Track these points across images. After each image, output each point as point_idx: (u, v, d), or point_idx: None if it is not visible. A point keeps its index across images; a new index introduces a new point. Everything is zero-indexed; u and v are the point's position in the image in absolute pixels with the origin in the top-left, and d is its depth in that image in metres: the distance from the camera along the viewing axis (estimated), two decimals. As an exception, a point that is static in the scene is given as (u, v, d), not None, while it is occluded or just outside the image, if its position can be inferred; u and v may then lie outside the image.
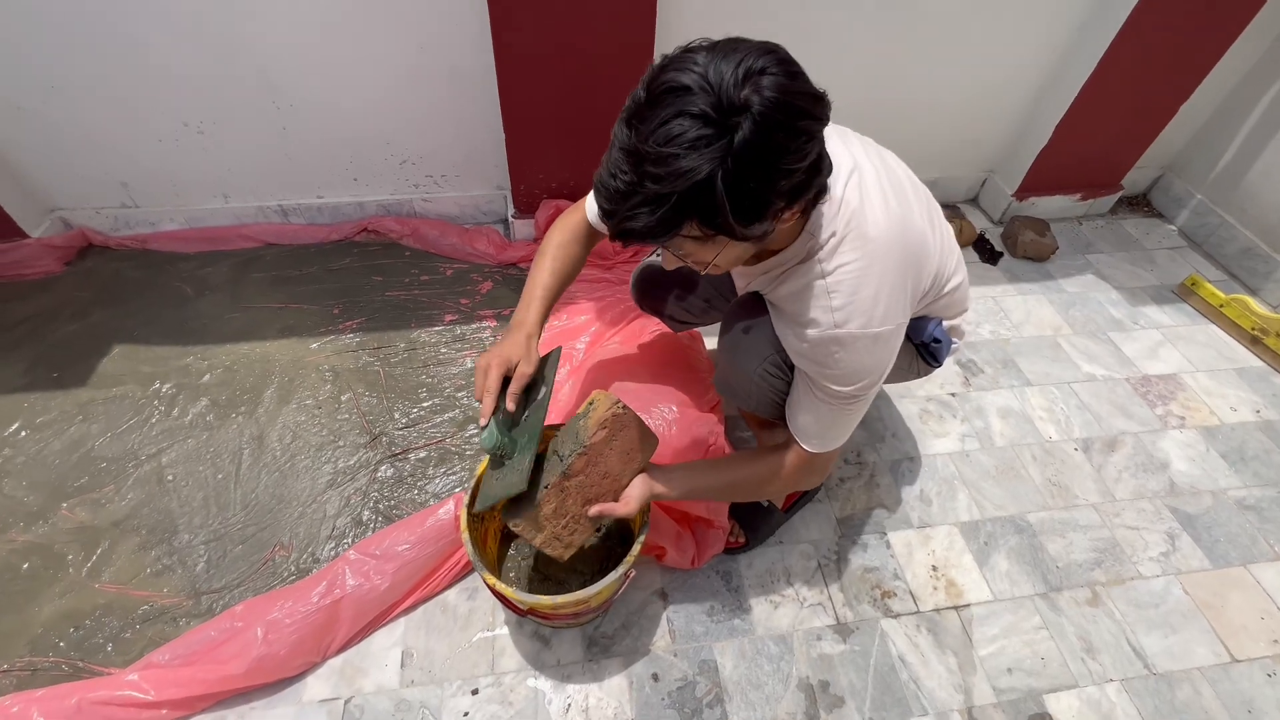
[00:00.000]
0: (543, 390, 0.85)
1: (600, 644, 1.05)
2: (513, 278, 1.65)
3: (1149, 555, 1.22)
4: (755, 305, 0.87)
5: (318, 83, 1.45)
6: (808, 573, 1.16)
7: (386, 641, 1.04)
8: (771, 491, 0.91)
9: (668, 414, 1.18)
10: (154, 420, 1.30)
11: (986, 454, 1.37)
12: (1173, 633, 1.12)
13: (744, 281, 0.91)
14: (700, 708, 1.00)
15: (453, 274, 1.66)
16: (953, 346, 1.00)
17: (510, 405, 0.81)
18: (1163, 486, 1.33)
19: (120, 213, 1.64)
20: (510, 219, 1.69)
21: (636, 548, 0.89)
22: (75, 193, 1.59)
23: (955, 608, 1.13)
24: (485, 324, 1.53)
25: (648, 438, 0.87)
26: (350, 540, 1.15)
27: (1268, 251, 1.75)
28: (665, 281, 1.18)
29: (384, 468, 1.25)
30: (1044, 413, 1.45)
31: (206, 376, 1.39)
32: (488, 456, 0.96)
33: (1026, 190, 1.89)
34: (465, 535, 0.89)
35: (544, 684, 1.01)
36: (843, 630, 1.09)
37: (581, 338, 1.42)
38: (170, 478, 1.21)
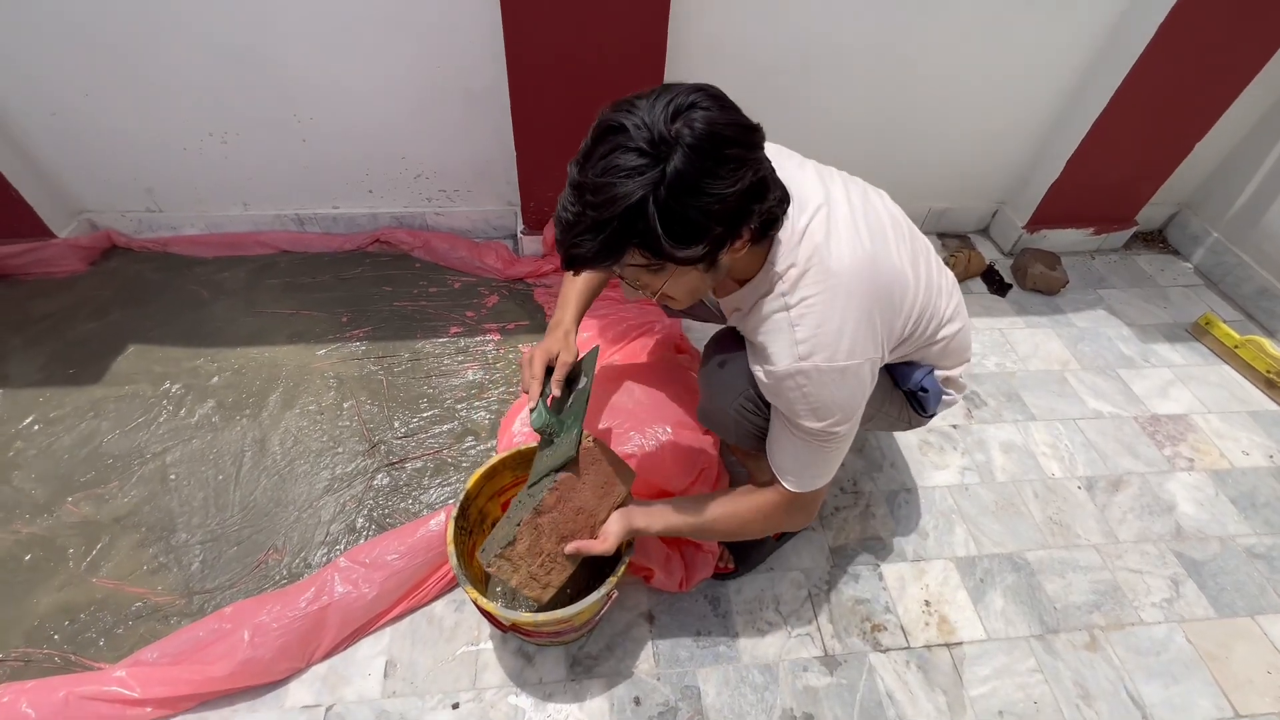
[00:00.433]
0: (583, 380, 0.90)
1: (584, 664, 1.05)
2: (519, 292, 1.67)
3: (1151, 600, 1.19)
4: (734, 340, 0.88)
5: (337, 98, 1.50)
6: (797, 601, 1.15)
7: (371, 651, 1.04)
8: (754, 531, 0.89)
9: (662, 434, 1.18)
10: (162, 419, 1.33)
11: (986, 488, 1.35)
12: (1174, 683, 1.09)
13: (728, 307, 0.91)
14: (680, 735, 0.99)
15: (460, 287, 1.68)
16: (945, 398, 0.99)
17: (556, 390, 0.88)
18: (1168, 530, 1.30)
19: (144, 216, 1.69)
20: (519, 234, 1.72)
21: (621, 569, 0.89)
22: (102, 196, 1.65)
23: (947, 645, 1.11)
24: (489, 337, 1.55)
25: (623, 470, 0.88)
26: (343, 547, 1.16)
27: (1285, 293, 1.71)
28: None
29: (380, 476, 1.27)
30: (1048, 449, 1.43)
31: (215, 379, 1.42)
32: (479, 470, 0.98)
33: (1037, 223, 1.88)
34: (451, 549, 0.89)
35: (525, 701, 1.00)
36: (830, 662, 1.08)
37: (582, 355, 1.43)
38: (173, 477, 1.24)
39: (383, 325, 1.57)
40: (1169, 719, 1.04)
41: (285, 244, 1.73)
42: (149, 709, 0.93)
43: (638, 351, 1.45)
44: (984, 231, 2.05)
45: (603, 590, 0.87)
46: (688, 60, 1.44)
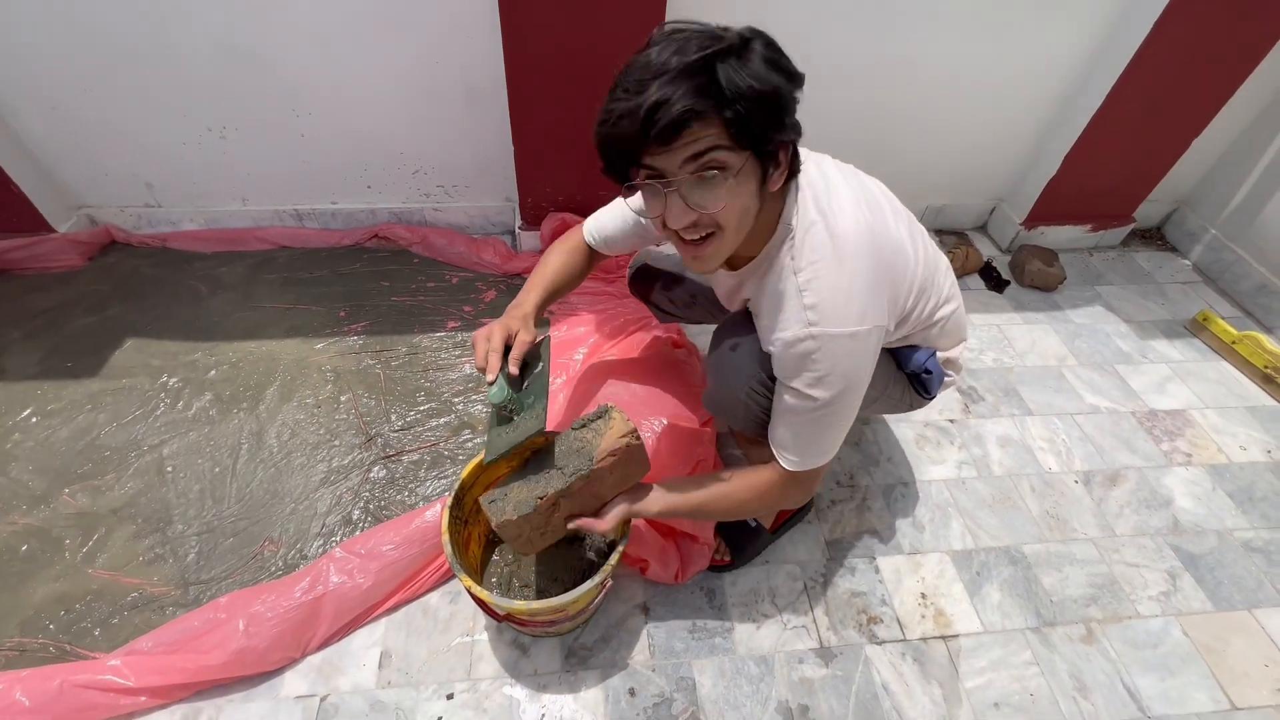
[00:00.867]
0: (541, 364, 0.87)
1: (579, 655, 1.05)
2: (516, 287, 1.67)
3: (1148, 594, 1.19)
4: (744, 323, 0.88)
5: (336, 95, 1.50)
6: (793, 594, 1.15)
7: (366, 641, 1.04)
8: (751, 510, 0.90)
9: (658, 426, 1.18)
10: (159, 412, 1.34)
11: (983, 482, 1.35)
12: (1170, 676, 1.08)
13: (730, 293, 0.92)
14: (675, 726, 0.98)
15: (458, 282, 1.69)
16: (946, 379, 0.99)
17: (513, 367, 0.83)
18: (1165, 524, 1.30)
19: (144, 211, 1.70)
20: (517, 230, 1.72)
21: (615, 557, 0.89)
22: (102, 191, 1.65)
23: (943, 637, 1.11)
24: (486, 332, 1.55)
25: (645, 466, 0.87)
26: (339, 538, 1.16)
27: (1283, 289, 1.71)
28: (658, 269, 1.19)
29: (377, 469, 1.27)
30: (1045, 443, 1.43)
31: (213, 372, 1.42)
32: (473, 461, 0.98)
33: (1035, 220, 1.88)
34: (445, 538, 0.89)
35: (520, 692, 1.00)
36: (826, 654, 1.07)
37: (580, 349, 1.43)
38: (169, 469, 1.24)
39: (380, 320, 1.57)
40: (1165, 712, 1.04)
41: (284, 239, 1.74)
42: (143, 698, 0.93)
43: (634, 346, 1.45)
44: (982, 228, 2.05)
45: (597, 579, 0.87)
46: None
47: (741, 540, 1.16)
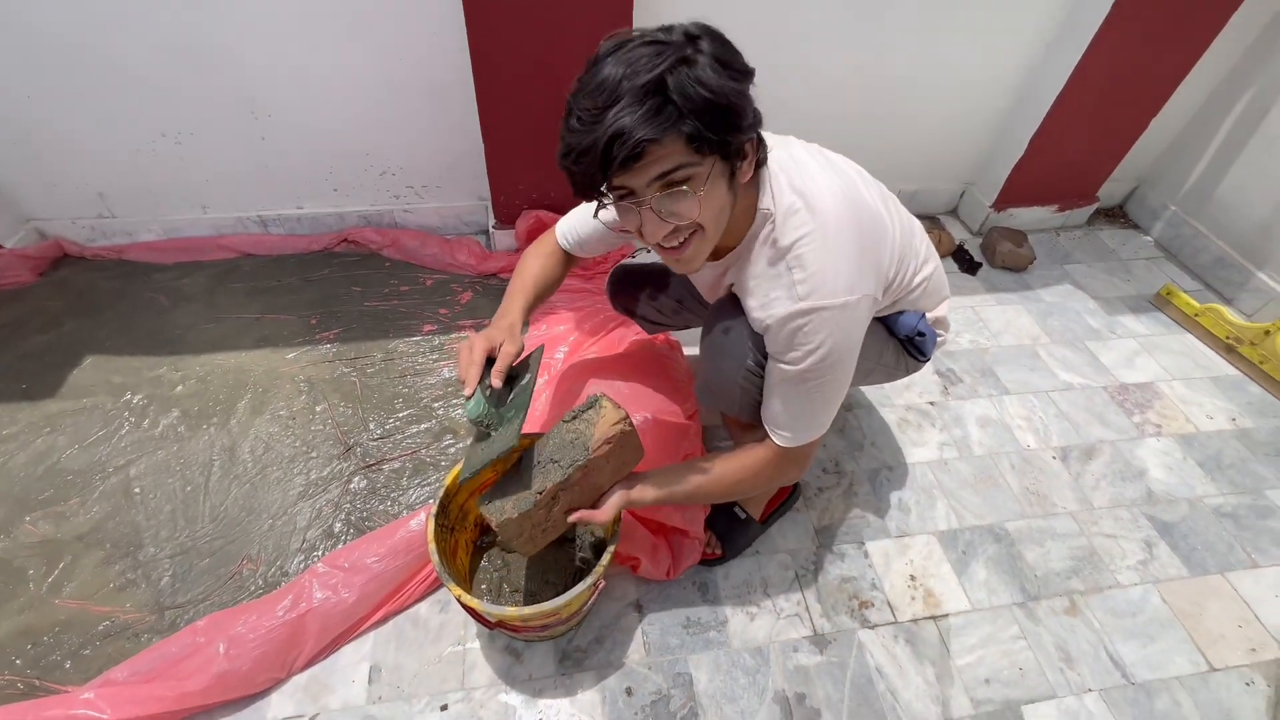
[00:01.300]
0: (527, 376, 0.85)
1: (573, 657, 1.04)
2: (493, 288, 1.65)
3: (1127, 564, 1.22)
4: (734, 306, 0.87)
5: (296, 94, 1.46)
6: (785, 583, 1.15)
7: (354, 656, 1.02)
8: (747, 490, 0.90)
9: (643, 422, 1.17)
10: (124, 432, 1.28)
11: (965, 463, 1.37)
12: (1151, 642, 1.11)
13: (712, 285, 0.92)
14: (674, 722, 0.98)
15: (433, 284, 1.65)
16: (938, 339, 1.00)
17: (496, 381, 0.81)
18: (1140, 495, 1.33)
19: (97, 223, 1.63)
20: (491, 229, 1.69)
21: (606, 557, 0.88)
22: (51, 203, 1.58)
23: (933, 618, 1.12)
24: (464, 334, 1.53)
25: (639, 453, 0.87)
26: (320, 553, 1.12)
27: (1241, 261, 1.77)
28: (639, 280, 1.19)
29: (357, 479, 1.24)
30: (1022, 421, 1.46)
31: (179, 387, 1.37)
32: (457, 467, 0.96)
33: (1004, 202, 1.91)
34: (432, 546, 0.87)
35: (515, 699, 0.99)
36: (820, 641, 1.08)
37: (560, 347, 1.41)
38: (138, 490, 1.19)
39: (353, 326, 1.53)
40: (1148, 677, 1.07)
41: (248, 247, 1.68)
42: (121, 730, 0.89)
43: (616, 342, 1.44)
44: (953, 212, 2.08)
45: (589, 580, 0.86)
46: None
47: (731, 532, 1.16)
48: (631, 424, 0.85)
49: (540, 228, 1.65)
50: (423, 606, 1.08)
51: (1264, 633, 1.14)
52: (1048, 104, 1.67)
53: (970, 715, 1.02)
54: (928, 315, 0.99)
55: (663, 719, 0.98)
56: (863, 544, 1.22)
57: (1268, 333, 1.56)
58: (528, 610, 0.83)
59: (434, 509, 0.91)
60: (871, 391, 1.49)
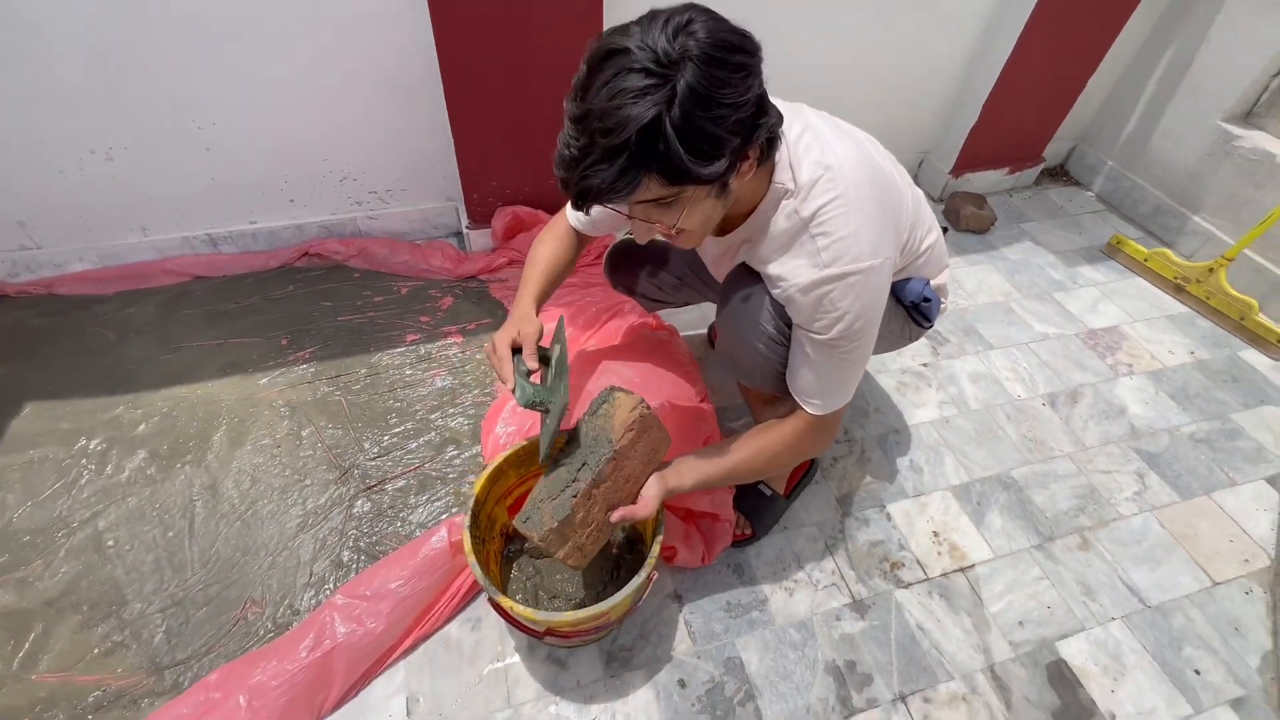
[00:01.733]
0: (558, 348, 0.85)
1: (619, 658, 1.00)
2: (474, 291, 1.58)
3: (1124, 496, 1.28)
4: (751, 274, 0.86)
5: (242, 98, 1.34)
6: (817, 555, 1.15)
7: (387, 690, 0.95)
8: (783, 463, 0.89)
9: (659, 408, 1.14)
10: (83, 482, 1.15)
11: (964, 418, 1.41)
12: (1158, 566, 1.18)
13: (720, 256, 0.90)
14: (732, 708, 0.96)
15: (409, 292, 1.57)
16: (941, 306, 1.02)
17: (531, 363, 0.82)
18: (1124, 431, 1.41)
19: (19, 255, 1.46)
20: (465, 230, 1.62)
21: (656, 548, 0.85)
22: (-39, 237, 1.40)
23: (961, 570, 1.15)
24: (451, 340, 1.45)
25: (665, 436, 0.84)
26: (332, 585, 1.04)
27: (1177, 208, 1.90)
28: (638, 257, 1.17)
29: (360, 502, 1.16)
30: (1009, 373, 1.52)
31: (141, 427, 1.24)
32: (484, 474, 0.91)
33: (961, 167, 1.99)
34: (473, 560, 0.82)
35: (566, 708, 0.94)
36: (859, 607, 1.09)
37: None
38: (111, 543, 1.07)
39: (329, 343, 1.43)
40: (1162, 599, 1.13)
41: (198, 269, 1.54)
42: (135, 808, 0.80)
43: (612, 334, 1.41)
44: (914, 181, 2.14)
45: (643, 574, 0.83)
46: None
47: (760, 511, 1.15)
48: (649, 406, 0.83)
49: (519, 224, 1.59)
50: (452, 628, 1.02)
51: (1252, 544, 1.22)
52: (998, 68, 1.73)
53: (1011, 658, 1.04)
54: (933, 282, 1.00)
55: (720, 707, 0.96)
56: (884, 507, 1.23)
57: (1211, 270, 1.68)
58: (581, 614, 0.79)
59: (467, 520, 0.86)
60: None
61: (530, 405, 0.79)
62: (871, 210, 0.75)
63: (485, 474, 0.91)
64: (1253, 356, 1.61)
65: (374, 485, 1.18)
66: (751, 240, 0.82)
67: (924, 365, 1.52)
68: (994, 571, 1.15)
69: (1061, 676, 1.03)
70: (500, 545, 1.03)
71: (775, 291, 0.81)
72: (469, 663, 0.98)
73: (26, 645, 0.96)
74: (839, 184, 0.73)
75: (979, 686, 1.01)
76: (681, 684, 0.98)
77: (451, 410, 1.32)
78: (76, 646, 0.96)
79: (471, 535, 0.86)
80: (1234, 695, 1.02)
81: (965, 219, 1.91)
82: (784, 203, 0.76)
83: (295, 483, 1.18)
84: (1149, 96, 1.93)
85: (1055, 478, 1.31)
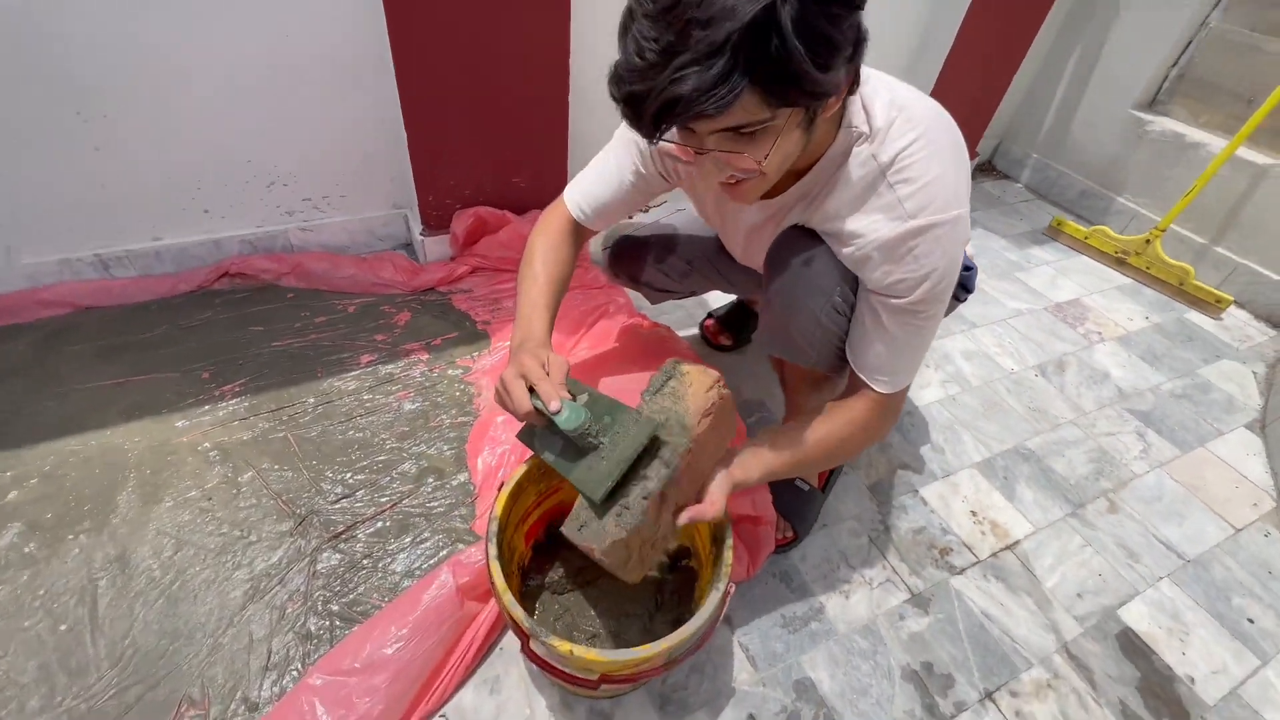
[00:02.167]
0: (586, 393, 0.69)
1: (675, 700, 0.84)
2: (434, 304, 1.39)
3: (1132, 455, 1.29)
4: (806, 237, 0.76)
5: (143, 85, 1.12)
6: (862, 550, 1.05)
7: (390, 790, 0.73)
8: (852, 448, 0.79)
9: (682, 407, 1.01)
10: (-72, 573, 0.86)
11: (969, 395, 1.38)
12: (1183, 519, 1.17)
13: (761, 224, 0.81)
14: (814, 739, 0.82)
15: (358, 310, 1.36)
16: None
17: (563, 393, 0.65)
18: (1113, 394, 1.43)
19: None
20: (419, 238, 1.44)
21: (729, 554, 0.71)
22: None
23: (1008, 547, 1.08)
24: (416, 358, 1.26)
25: (735, 421, 0.72)
26: (300, 664, 0.81)
27: (1102, 190, 2.04)
28: (643, 245, 1.06)
29: (325, 555, 0.93)
30: (997, 349, 1.52)
31: (13, 493, 0.96)
32: (503, 495, 0.74)
33: (909, 162, 2.04)
34: (507, 598, 0.65)
35: (623, 774, 0.77)
36: (920, 601, 0.99)
37: (543, 350, 1.21)
38: (-27, 651, 0.79)
39: (264, 372, 1.20)
40: (1196, 551, 1.12)
41: (84, 298, 1.26)
42: None
43: (603, 335, 1.27)
44: (863, 180, 2.19)
45: (719, 589, 0.68)
46: None
47: (799, 508, 1.03)
48: (725, 384, 0.70)
49: (483, 227, 1.43)
50: (466, 694, 0.82)
51: (1255, 488, 1.25)
52: (938, 68, 1.81)
53: (1080, 633, 0.98)
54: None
55: (800, 739, 0.82)
56: (917, 491, 1.16)
57: (1148, 241, 1.79)
58: (662, 645, 0.64)
59: (494, 551, 0.68)
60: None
61: (579, 430, 0.63)
62: (950, 154, 0.67)
63: (505, 492, 0.74)
64: (1196, 318, 1.72)
65: (341, 533, 0.96)
66: (810, 197, 0.73)
67: (918, 347, 1.49)
68: (1039, 545, 1.09)
69: (1133, 646, 0.97)
70: (519, 583, 0.85)
71: (846, 251, 0.71)
72: (493, 736, 0.78)
73: None
74: (918, 124, 0.65)
75: (1059, 670, 0.93)
76: (752, 718, 0.83)
77: (426, 435, 1.12)
78: (-78, 806, 0.68)
79: (501, 567, 0.68)
80: (1289, 640, 1.00)
81: (921, 209, 1.95)
82: (856, 149, 0.67)
83: (236, 541, 0.93)
84: (1064, 92, 2.09)
85: (1067, 444, 1.29)
